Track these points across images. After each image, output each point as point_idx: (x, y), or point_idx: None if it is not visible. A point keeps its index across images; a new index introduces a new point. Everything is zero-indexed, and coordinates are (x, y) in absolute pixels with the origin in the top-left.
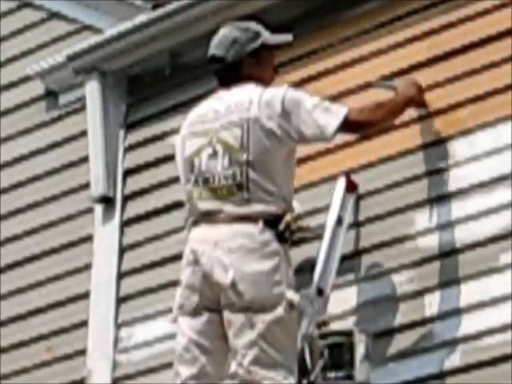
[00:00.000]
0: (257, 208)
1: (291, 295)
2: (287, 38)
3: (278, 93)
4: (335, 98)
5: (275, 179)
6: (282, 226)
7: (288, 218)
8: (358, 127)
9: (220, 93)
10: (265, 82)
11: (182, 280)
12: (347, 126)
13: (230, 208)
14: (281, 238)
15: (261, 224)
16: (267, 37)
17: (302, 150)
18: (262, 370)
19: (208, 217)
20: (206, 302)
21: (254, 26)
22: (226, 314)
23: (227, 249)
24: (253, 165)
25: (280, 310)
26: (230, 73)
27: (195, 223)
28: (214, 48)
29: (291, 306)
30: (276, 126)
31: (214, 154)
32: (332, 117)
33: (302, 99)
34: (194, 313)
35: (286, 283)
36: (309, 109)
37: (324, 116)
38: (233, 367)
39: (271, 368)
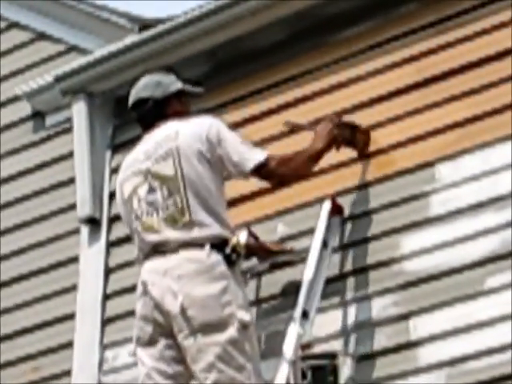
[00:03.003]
0: (202, 231)
1: (242, 315)
2: (199, 89)
3: (206, 120)
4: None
5: (213, 201)
6: (228, 249)
7: (234, 240)
8: (273, 177)
9: (147, 136)
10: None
11: (137, 312)
12: (264, 170)
13: (175, 235)
14: (228, 260)
15: (207, 248)
16: (180, 85)
17: None
18: None
19: (156, 248)
20: (160, 330)
21: (169, 73)
22: (180, 341)
23: (176, 276)
24: (190, 188)
25: (232, 331)
26: (157, 110)
27: (146, 257)
28: (139, 92)
29: (244, 325)
30: (205, 148)
31: (152, 190)
32: (255, 154)
33: (229, 131)
34: (151, 342)
35: (236, 304)
36: (237, 140)
37: (248, 151)
38: None
39: None
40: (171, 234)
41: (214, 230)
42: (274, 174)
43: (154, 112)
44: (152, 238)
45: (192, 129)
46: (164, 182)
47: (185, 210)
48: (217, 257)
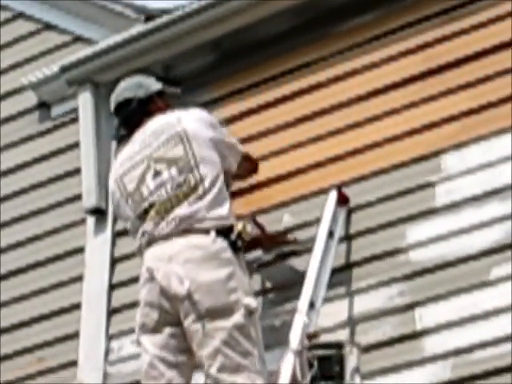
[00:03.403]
0: (208, 212)
1: (248, 301)
2: (177, 90)
3: (200, 110)
4: (328, 111)
5: (221, 182)
6: (233, 236)
7: (239, 227)
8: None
9: (135, 134)
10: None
11: (141, 299)
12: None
13: (184, 210)
14: (234, 246)
15: (213, 234)
16: (160, 85)
17: (293, 164)
18: (229, 376)
19: (161, 234)
20: (165, 317)
21: (148, 76)
22: (187, 326)
23: (182, 261)
24: (202, 165)
25: (238, 316)
26: (142, 108)
27: (148, 244)
28: (121, 94)
29: (249, 311)
30: (210, 132)
31: (157, 174)
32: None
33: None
34: (155, 329)
35: (242, 290)
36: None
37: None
38: (201, 379)
39: (238, 372)
40: (182, 210)
41: (220, 214)
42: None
43: (138, 110)
44: (159, 225)
45: (193, 114)
46: (172, 164)
47: (198, 184)
48: (222, 243)
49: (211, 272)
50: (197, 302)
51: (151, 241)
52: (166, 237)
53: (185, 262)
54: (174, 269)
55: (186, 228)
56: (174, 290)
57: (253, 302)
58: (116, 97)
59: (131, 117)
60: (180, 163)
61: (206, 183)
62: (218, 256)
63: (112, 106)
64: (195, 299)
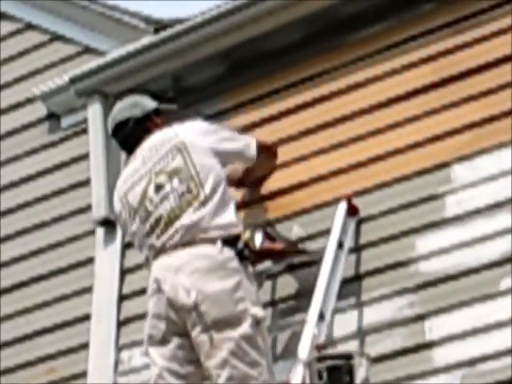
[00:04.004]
0: (217, 213)
1: (255, 311)
2: (174, 106)
3: (199, 122)
4: (339, 121)
5: (224, 190)
6: (240, 245)
7: (246, 236)
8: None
9: (136, 152)
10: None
11: (149, 310)
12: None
13: (188, 219)
14: (240, 256)
15: (219, 244)
16: (156, 104)
17: (302, 175)
18: None
19: (168, 244)
20: (173, 328)
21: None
22: (194, 337)
23: (189, 272)
24: (202, 173)
25: (246, 326)
26: (140, 127)
27: (156, 255)
28: (117, 116)
29: (257, 321)
30: (209, 141)
31: (160, 187)
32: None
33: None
34: (163, 341)
35: (249, 300)
36: (228, 131)
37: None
38: None
39: (245, 383)
40: (187, 219)
41: (226, 223)
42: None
43: (136, 129)
44: (165, 236)
45: (189, 126)
46: (173, 175)
47: (200, 191)
48: (229, 252)
49: (218, 282)
50: (204, 312)
51: (158, 252)
52: (173, 248)
53: (191, 273)
54: (180, 280)
55: (192, 238)
56: (181, 301)
57: (260, 311)
58: (113, 119)
59: (129, 137)
60: (181, 174)
61: (207, 190)
62: (224, 266)
63: (110, 128)
64: (202, 310)
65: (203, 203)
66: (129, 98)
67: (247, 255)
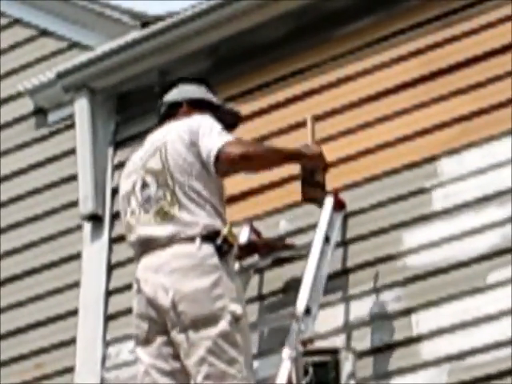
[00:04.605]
0: (192, 221)
1: (234, 308)
2: (235, 114)
3: (195, 117)
4: (328, 115)
5: (206, 193)
6: (219, 241)
7: (224, 231)
8: (232, 161)
9: (148, 136)
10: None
11: (133, 310)
12: (221, 157)
13: (166, 229)
14: (220, 252)
15: (198, 241)
16: (211, 96)
17: (288, 170)
18: None
19: (148, 245)
20: (155, 327)
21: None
22: (173, 336)
23: (168, 271)
24: (178, 180)
25: (224, 324)
26: (170, 109)
27: (140, 255)
28: (170, 97)
29: (236, 318)
30: (191, 142)
31: (145, 185)
32: (216, 142)
33: (211, 124)
34: (148, 340)
35: (228, 296)
36: (212, 130)
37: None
38: None
39: (224, 381)
40: (162, 228)
41: (204, 220)
42: (231, 158)
43: (167, 110)
44: (145, 232)
45: (181, 125)
46: (154, 176)
47: (174, 201)
48: (208, 249)
49: (195, 281)
50: (181, 312)
51: (142, 252)
52: (154, 247)
53: (171, 273)
54: (160, 280)
55: (171, 238)
56: (160, 301)
57: (239, 308)
58: (164, 102)
59: (160, 116)
60: (159, 177)
61: (182, 199)
62: (203, 263)
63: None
64: (179, 310)
65: (177, 215)
66: (187, 84)
67: (226, 250)
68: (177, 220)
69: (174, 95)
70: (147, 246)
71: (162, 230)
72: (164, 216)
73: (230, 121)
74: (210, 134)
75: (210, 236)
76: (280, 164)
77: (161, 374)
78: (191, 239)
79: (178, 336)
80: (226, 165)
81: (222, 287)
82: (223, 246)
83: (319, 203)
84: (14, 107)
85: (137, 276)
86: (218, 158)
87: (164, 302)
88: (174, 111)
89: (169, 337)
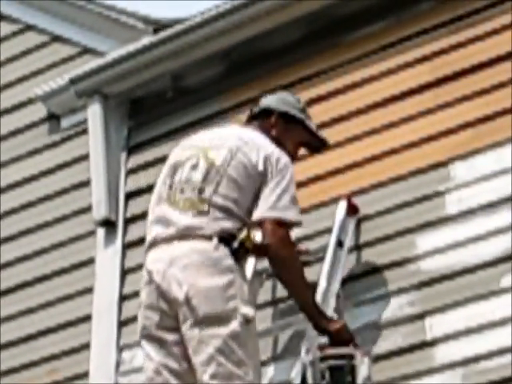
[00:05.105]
0: (212, 224)
1: (246, 310)
2: (323, 141)
3: (280, 150)
4: (338, 121)
5: (238, 210)
6: (236, 244)
7: (242, 235)
8: (276, 249)
9: (233, 125)
10: (280, 144)
11: (141, 301)
12: (265, 229)
13: (186, 221)
14: (235, 254)
15: (215, 241)
16: (308, 121)
17: (303, 173)
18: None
19: (163, 230)
20: (166, 320)
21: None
22: (184, 331)
23: (182, 265)
24: (224, 187)
25: (235, 324)
26: (266, 116)
27: (150, 247)
28: (267, 102)
29: (247, 320)
30: (259, 167)
31: (195, 167)
32: (289, 209)
33: (288, 177)
34: (159, 336)
35: (240, 298)
36: (285, 188)
37: (286, 208)
38: None
39: (230, 381)
40: (185, 218)
41: (225, 224)
42: (279, 246)
43: (262, 115)
44: (169, 214)
45: (264, 145)
46: (208, 166)
47: (206, 201)
48: (224, 250)
49: (210, 278)
50: (194, 307)
51: (154, 243)
52: (168, 240)
53: (184, 267)
54: (173, 273)
55: (188, 234)
56: (174, 294)
57: (251, 311)
58: (262, 101)
59: (253, 116)
60: (212, 172)
61: (215, 204)
62: (218, 263)
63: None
64: (193, 304)
65: (202, 214)
66: (289, 95)
67: (242, 255)
68: (202, 216)
69: (271, 101)
70: (165, 226)
71: (185, 220)
72: (192, 206)
73: (314, 144)
74: (280, 192)
75: (227, 238)
76: (298, 296)
77: (173, 374)
78: (208, 237)
79: (188, 331)
80: (265, 237)
81: (235, 288)
82: (239, 250)
83: None
84: (26, 113)
85: (148, 267)
86: (262, 224)
87: (178, 295)
88: (262, 116)
89: (178, 335)
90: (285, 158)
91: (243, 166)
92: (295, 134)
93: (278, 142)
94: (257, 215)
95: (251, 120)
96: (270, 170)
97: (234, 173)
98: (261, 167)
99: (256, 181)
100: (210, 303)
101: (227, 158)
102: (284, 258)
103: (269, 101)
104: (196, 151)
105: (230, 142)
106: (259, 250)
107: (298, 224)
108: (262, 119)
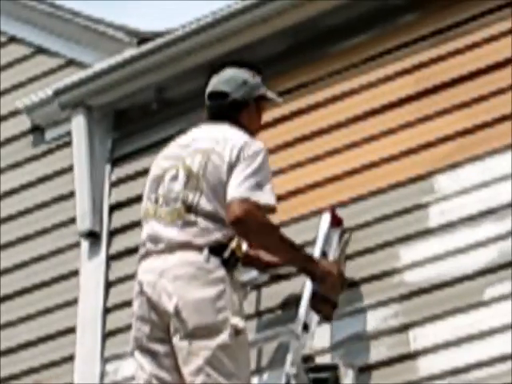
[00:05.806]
0: (203, 234)
1: (236, 321)
2: (279, 98)
3: (254, 141)
4: (318, 134)
5: (219, 210)
6: (226, 254)
7: (233, 245)
8: (253, 223)
9: (203, 126)
10: (249, 130)
11: (134, 312)
12: (231, 208)
13: (174, 232)
14: (226, 265)
15: (206, 252)
16: (264, 90)
17: (289, 184)
18: None
19: (156, 243)
20: (157, 332)
21: (256, 74)
22: (175, 342)
23: (172, 277)
24: (206, 191)
25: (224, 336)
26: (230, 110)
27: (143, 257)
28: (221, 84)
29: (236, 331)
30: (233, 161)
31: (175, 178)
32: (257, 190)
33: (262, 161)
34: (148, 347)
35: (230, 309)
36: (248, 172)
37: (253, 188)
38: None
39: None
40: (173, 230)
41: (216, 233)
42: (258, 220)
43: (226, 110)
44: (158, 229)
45: (234, 140)
46: (187, 175)
47: (192, 209)
48: (215, 261)
49: (200, 290)
50: (184, 319)
51: (146, 254)
52: (160, 252)
53: (175, 279)
54: (163, 284)
55: (180, 243)
56: (164, 305)
57: (240, 322)
58: (215, 84)
59: (216, 111)
60: (192, 179)
61: (201, 210)
62: (209, 274)
63: (208, 89)
64: (183, 317)
65: (190, 224)
66: (242, 70)
67: (233, 264)
68: (190, 226)
69: (238, 90)
70: (155, 243)
71: (173, 232)
72: (179, 217)
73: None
74: (248, 174)
75: (217, 248)
76: (284, 257)
77: None
78: (199, 249)
79: (179, 342)
80: (230, 215)
81: (225, 300)
82: (230, 259)
83: (326, 318)
84: (11, 125)
85: (139, 278)
86: (229, 206)
87: (168, 307)
88: (234, 111)
89: (170, 346)
90: (256, 146)
91: (219, 167)
92: (261, 110)
93: (248, 128)
94: (226, 200)
95: (214, 110)
96: (241, 158)
97: (212, 176)
98: (233, 160)
99: (231, 175)
100: (199, 315)
101: (202, 164)
102: (254, 227)
103: (233, 89)
104: (174, 161)
105: (203, 146)
106: (249, 258)
107: (268, 208)
108: (233, 113)
